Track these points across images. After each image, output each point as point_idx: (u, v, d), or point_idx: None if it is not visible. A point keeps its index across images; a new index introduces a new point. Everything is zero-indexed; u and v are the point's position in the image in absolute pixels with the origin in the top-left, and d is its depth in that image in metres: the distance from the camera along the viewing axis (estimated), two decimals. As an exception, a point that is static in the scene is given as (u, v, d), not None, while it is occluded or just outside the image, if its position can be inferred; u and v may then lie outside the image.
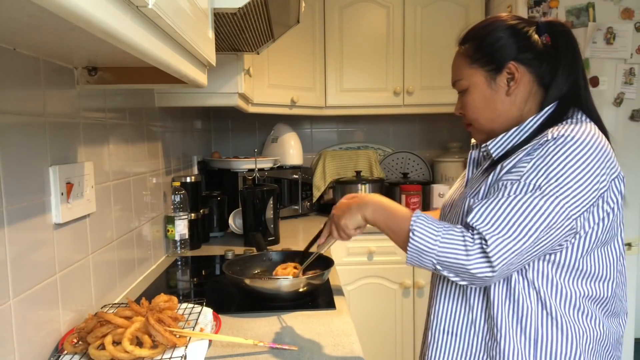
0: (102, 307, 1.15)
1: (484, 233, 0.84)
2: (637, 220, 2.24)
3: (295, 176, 2.54)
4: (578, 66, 0.96)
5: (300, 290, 1.29)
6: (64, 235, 1.02)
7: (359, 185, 2.50)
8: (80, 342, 0.92)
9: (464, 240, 0.85)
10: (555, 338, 0.90)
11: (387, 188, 2.74)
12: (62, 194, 0.98)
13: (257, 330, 1.13)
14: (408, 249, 0.90)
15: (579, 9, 2.18)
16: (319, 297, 1.35)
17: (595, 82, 2.19)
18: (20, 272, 0.85)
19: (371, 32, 2.56)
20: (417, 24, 2.55)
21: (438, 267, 0.88)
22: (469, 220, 0.87)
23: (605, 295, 0.93)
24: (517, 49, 0.95)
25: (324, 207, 2.75)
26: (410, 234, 0.89)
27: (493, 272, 0.83)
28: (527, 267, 0.90)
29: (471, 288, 0.97)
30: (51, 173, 0.96)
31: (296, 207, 2.58)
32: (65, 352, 0.91)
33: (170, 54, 0.72)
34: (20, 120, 0.87)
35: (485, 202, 0.87)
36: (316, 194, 2.68)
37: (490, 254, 0.83)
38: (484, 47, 0.97)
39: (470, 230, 0.87)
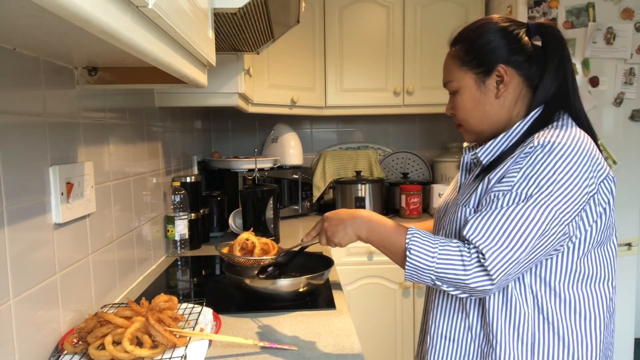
0: (102, 307, 1.15)
1: (480, 247, 0.84)
2: (637, 220, 2.24)
3: (295, 176, 2.54)
4: (566, 69, 0.96)
5: (300, 290, 1.29)
6: (64, 235, 1.02)
7: (359, 185, 2.50)
8: (80, 342, 0.92)
9: (461, 255, 0.86)
10: (553, 344, 0.90)
11: (387, 188, 2.74)
12: (62, 194, 0.98)
13: (257, 330, 1.13)
14: (406, 267, 0.90)
15: (579, 9, 2.18)
16: (319, 297, 1.35)
17: (595, 82, 2.19)
18: (20, 272, 0.85)
19: (371, 32, 2.56)
20: (417, 24, 2.55)
21: (437, 282, 0.88)
22: (464, 233, 0.87)
23: (608, 297, 0.93)
24: (508, 51, 0.95)
25: (324, 207, 2.75)
26: (407, 253, 0.90)
27: (492, 284, 0.84)
28: (524, 272, 0.90)
29: None
30: (51, 173, 0.96)
31: (296, 207, 2.58)
32: (65, 352, 0.91)
33: (170, 54, 0.72)
34: (20, 120, 0.87)
35: (480, 215, 0.87)
36: (316, 194, 2.68)
37: (488, 267, 0.83)
38: (474, 50, 0.97)
39: (466, 244, 0.87)
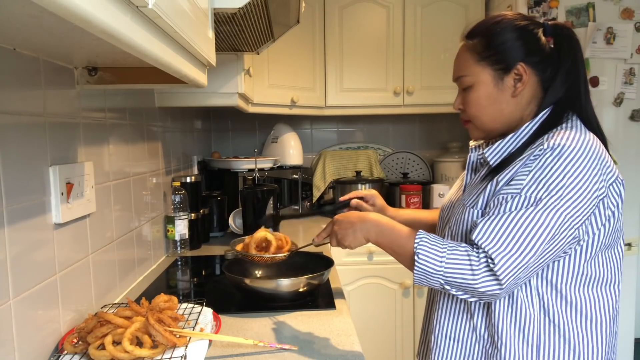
0: (102, 307, 1.15)
1: (489, 251, 0.84)
2: (637, 220, 2.24)
3: (295, 176, 2.54)
4: (579, 71, 0.95)
5: (300, 290, 1.29)
6: (64, 235, 1.02)
7: (359, 185, 2.50)
8: (80, 342, 0.92)
9: (469, 259, 0.86)
10: (558, 346, 0.90)
11: (387, 188, 2.74)
12: (62, 194, 0.98)
13: (257, 330, 1.13)
14: (415, 271, 0.90)
15: (579, 9, 2.18)
16: (319, 297, 1.35)
17: (595, 82, 2.19)
18: (20, 272, 0.85)
19: (371, 32, 2.56)
20: (417, 24, 2.55)
21: (446, 286, 0.88)
22: (473, 237, 0.87)
23: (614, 300, 0.93)
24: (526, 50, 0.94)
25: (322, 207, 2.75)
26: (416, 257, 0.89)
27: (501, 288, 0.84)
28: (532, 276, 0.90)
29: None
30: (51, 173, 0.96)
31: (296, 207, 2.58)
32: (65, 352, 0.91)
33: (170, 54, 0.72)
34: (20, 120, 0.87)
35: (489, 219, 0.87)
36: (316, 194, 2.68)
37: (497, 272, 0.83)
38: (494, 45, 0.95)
39: (475, 248, 0.87)
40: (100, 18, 0.47)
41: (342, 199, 1.34)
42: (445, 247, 0.88)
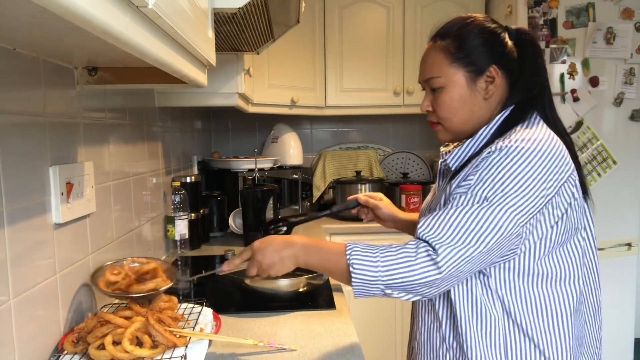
0: (102, 307, 1.15)
1: (431, 241, 0.84)
2: (637, 220, 2.24)
3: (295, 176, 2.54)
4: (540, 76, 0.96)
5: (300, 290, 1.29)
6: (64, 235, 1.02)
7: (359, 185, 2.50)
8: (80, 342, 0.92)
9: (404, 253, 0.85)
10: (523, 345, 0.90)
11: (387, 188, 2.74)
12: (62, 194, 0.98)
13: (257, 330, 1.13)
14: (353, 284, 0.88)
15: (579, 9, 2.18)
16: (319, 297, 1.35)
17: (595, 82, 2.19)
18: (20, 272, 0.85)
19: (371, 32, 2.56)
20: (417, 24, 2.55)
21: (387, 291, 0.87)
22: (417, 231, 0.87)
23: (575, 296, 0.92)
24: (497, 53, 0.95)
25: (324, 208, 2.75)
26: (351, 269, 0.87)
27: (440, 273, 0.83)
28: (488, 275, 0.91)
29: (438, 304, 0.97)
30: (51, 173, 0.96)
31: (296, 207, 2.58)
32: (65, 352, 0.91)
33: (170, 54, 0.72)
34: (20, 120, 0.87)
35: (434, 215, 0.87)
36: (316, 194, 2.68)
37: (438, 260, 0.83)
38: (468, 47, 0.95)
39: (414, 242, 0.87)
40: (100, 18, 0.47)
41: (349, 198, 1.36)
42: (377, 251, 0.88)
